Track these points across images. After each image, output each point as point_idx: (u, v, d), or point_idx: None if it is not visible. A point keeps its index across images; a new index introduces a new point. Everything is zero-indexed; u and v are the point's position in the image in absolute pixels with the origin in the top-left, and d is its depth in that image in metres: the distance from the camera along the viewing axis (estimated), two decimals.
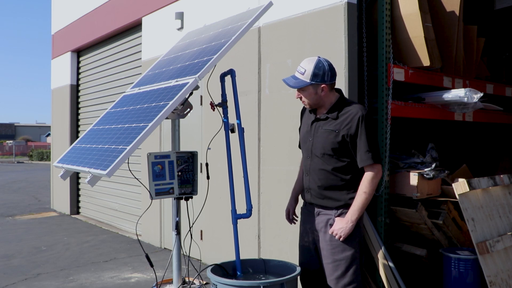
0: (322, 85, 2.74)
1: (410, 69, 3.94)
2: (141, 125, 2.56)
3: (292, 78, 2.80)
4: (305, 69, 2.74)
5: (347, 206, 2.73)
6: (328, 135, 2.74)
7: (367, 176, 2.68)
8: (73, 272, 5.15)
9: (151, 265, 2.94)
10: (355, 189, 2.73)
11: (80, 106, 9.20)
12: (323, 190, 2.78)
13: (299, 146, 3.09)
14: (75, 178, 9.19)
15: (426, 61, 3.84)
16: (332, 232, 2.73)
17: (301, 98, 2.84)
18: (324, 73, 2.72)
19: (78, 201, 9.26)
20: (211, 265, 2.83)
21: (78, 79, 9.29)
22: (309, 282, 2.94)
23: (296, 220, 3.19)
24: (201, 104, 5.37)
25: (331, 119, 2.76)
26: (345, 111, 2.75)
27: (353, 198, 2.72)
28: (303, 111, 3.05)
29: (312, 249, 2.90)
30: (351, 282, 2.73)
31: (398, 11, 3.89)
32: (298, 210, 3.14)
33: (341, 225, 2.69)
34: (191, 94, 2.89)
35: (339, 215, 2.75)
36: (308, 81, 2.73)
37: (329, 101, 2.81)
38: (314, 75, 2.72)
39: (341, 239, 2.70)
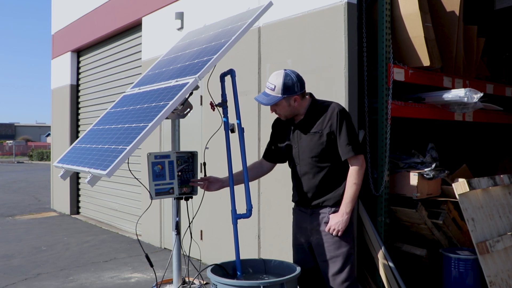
0: (294, 97, 2.78)
1: (410, 69, 3.94)
2: (141, 125, 2.56)
3: (264, 95, 2.84)
4: (275, 84, 2.77)
5: (340, 202, 2.78)
6: (312, 138, 2.80)
7: (353, 168, 2.76)
8: (73, 272, 5.15)
9: (151, 265, 2.93)
10: (344, 185, 2.79)
11: (80, 106, 9.21)
12: (316, 192, 2.83)
13: (264, 156, 3.11)
14: (75, 178, 9.19)
15: (426, 61, 3.84)
16: (329, 229, 2.76)
17: (275, 111, 2.88)
18: (293, 85, 2.76)
19: (78, 201, 9.27)
20: (211, 265, 2.82)
21: (78, 79, 9.29)
22: (304, 280, 2.96)
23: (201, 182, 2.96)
24: (201, 104, 5.37)
25: (311, 121, 2.82)
26: (322, 111, 2.81)
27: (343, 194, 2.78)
28: (276, 122, 3.09)
29: (306, 248, 2.93)
30: (347, 279, 2.76)
31: (398, 11, 3.89)
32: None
33: (337, 219, 2.74)
34: (191, 94, 2.88)
35: (333, 212, 2.79)
36: (280, 95, 2.76)
37: (303, 107, 2.86)
38: (285, 89, 2.75)
39: (339, 233, 2.74)
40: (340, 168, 2.81)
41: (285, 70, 2.81)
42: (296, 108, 2.84)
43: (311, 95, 2.92)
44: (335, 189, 2.81)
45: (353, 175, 2.75)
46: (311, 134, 2.80)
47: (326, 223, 2.79)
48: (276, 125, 3.10)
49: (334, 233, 2.75)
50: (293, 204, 3.08)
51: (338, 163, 2.80)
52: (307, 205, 2.89)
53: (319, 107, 2.84)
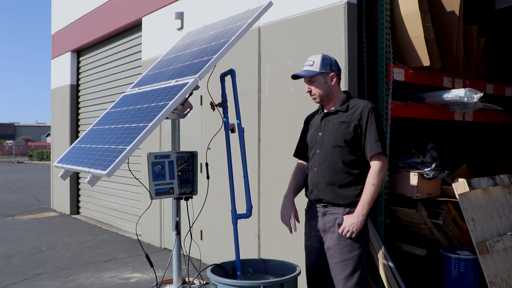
0: (331, 74, 2.83)
1: (410, 69, 3.94)
2: (141, 125, 2.56)
3: (303, 71, 2.87)
4: (313, 60, 2.84)
5: (354, 203, 2.71)
6: (339, 127, 2.77)
7: (375, 167, 2.68)
8: (73, 272, 5.15)
9: (151, 265, 2.93)
10: (362, 186, 2.72)
11: (80, 106, 9.21)
12: (332, 185, 2.75)
13: (295, 154, 3.07)
14: (75, 178, 9.19)
15: (426, 61, 3.84)
16: (343, 230, 2.68)
17: (310, 93, 2.86)
18: (331, 63, 2.85)
19: (78, 201, 9.27)
20: (211, 265, 2.82)
21: (78, 79, 9.29)
22: (317, 283, 2.89)
23: (296, 224, 2.94)
24: (201, 104, 5.37)
25: (341, 112, 2.82)
26: (354, 105, 2.82)
27: (359, 195, 2.70)
28: (307, 118, 3.08)
29: (319, 250, 2.85)
30: (358, 282, 2.70)
31: (398, 11, 3.89)
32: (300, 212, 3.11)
33: (352, 220, 2.66)
34: (191, 94, 2.89)
35: (347, 213, 2.72)
36: (318, 70, 2.81)
37: (338, 96, 2.88)
38: (323, 65, 2.82)
39: (353, 235, 2.66)
40: (359, 166, 2.75)
41: (322, 53, 2.90)
42: (332, 90, 2.84)
43: (347, 92, 2.95)
44: (350, 187, 2.73)
45: (372, 175, 2.67)
46: (339, 123, 2.78)
47: (340, 224, 2.71)
48: (307, 120, 3.08)
49: (348, 234, 2.67)
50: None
51: (358, 160, 2.75)
52: (318, 199, 2.80)
53: (353, 102, 2.86)
